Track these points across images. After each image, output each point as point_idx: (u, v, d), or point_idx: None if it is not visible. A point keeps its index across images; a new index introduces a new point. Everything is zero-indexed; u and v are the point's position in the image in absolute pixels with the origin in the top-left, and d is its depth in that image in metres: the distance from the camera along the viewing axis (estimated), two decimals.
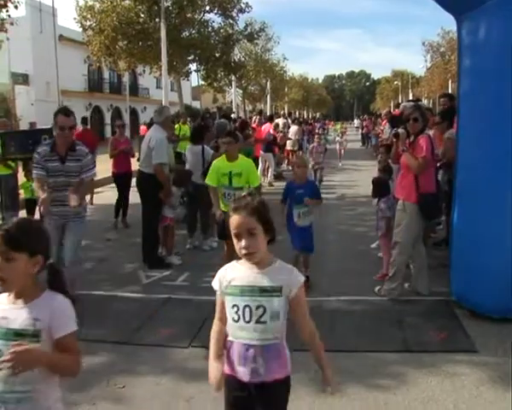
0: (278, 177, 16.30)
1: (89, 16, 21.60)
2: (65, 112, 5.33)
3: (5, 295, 2.15)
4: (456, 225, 5.19)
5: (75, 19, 21.99)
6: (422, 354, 4.33)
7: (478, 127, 4.80)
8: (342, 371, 4.06)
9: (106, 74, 41.90)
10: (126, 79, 37.88)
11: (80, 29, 22.60)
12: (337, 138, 23.19)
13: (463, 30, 4.98)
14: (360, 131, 38.31)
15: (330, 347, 4.48)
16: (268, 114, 31.02)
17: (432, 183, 5.53)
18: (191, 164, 8.06)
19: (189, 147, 8.35)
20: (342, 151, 21.50)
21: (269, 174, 15.61)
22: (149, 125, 11.06)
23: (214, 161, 6.39)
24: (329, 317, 5.17)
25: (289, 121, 22.06)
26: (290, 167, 18.78)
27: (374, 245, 7.64)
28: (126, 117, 38.73)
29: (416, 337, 4.64)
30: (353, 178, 16.25)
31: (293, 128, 19.14)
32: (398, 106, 12.25)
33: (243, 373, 2.33)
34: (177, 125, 12.97)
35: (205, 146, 8.16)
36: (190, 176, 7.71)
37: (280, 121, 19.10)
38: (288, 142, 18.44)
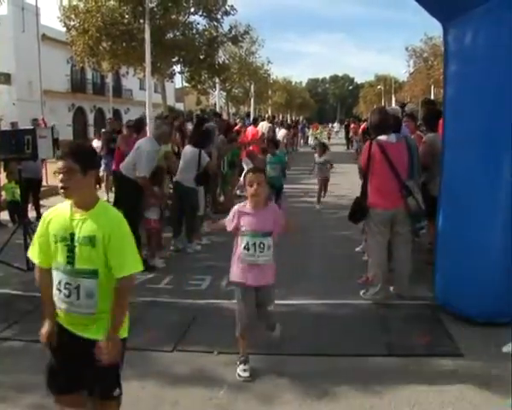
0: None
1: (72, 16, 21.38)
2: None
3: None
4: (441, 229, 5.23)
5: (58, 18, 21.78)
6: (407, 357, 4.33)
7: (463, 133, 4.83)
8: (328, 375, 4.07)
9: (89, 75, 41.52)
10: (110, 79, 37.57)
11: (64, 29, 22.37)
12: (317, 158, 12.30)
13: (450, 36, 5.01)
14: (344, 134, 38.66)
15: (315, 350, 4.50)
16: (251, 116, 31.03)
17: (366, 188, 5.63)
18: (185, 165, 7.94)
19: (187, 147, 8.22)
20: (325, 186, 12.22)
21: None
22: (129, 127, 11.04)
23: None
24: (314, 321, 5.19)
25: (273, 125, 22.05)
26: None
27: (358, 249, 7.66)
28: (109, 115, 38.44)
29: (401, 341, 4.66)
30: (336, 181, 16.31)
31: (282, 132, 19.19)
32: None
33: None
34: None
35: (202, 151, 8.10)
36: (163, 175, 7.61)
37: (264, 125, 19.10)
38: None
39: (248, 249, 3.96)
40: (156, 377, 4.03)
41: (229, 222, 4.10)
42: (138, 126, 9.42)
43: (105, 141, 13.06)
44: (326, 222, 10.03)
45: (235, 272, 4.07)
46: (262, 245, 3.95)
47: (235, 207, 4.11)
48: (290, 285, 6.19)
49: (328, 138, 42.14)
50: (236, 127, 16.52)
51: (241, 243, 4.01)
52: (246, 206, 4.04)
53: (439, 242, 5.30)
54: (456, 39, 4.91)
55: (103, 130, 16.84)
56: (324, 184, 12.05)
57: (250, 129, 16.61)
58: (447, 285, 5.14)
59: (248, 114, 22.72)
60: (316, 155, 12.42)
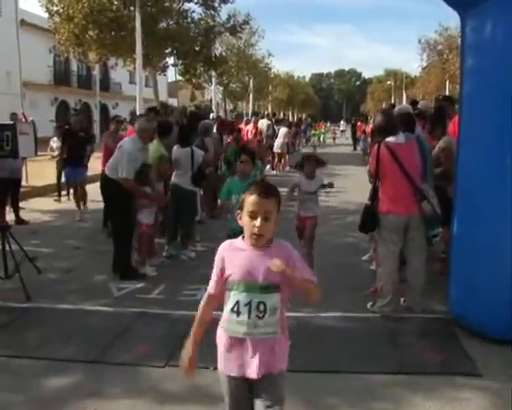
0: None
1: (55, 1, 21.39)
2: None
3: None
4: (456, 236, 5.24)
5: (40, 2, 21.75)
6: (419, 376, 4.33)
7: (481, 132, 4.85)
8: (331, 394, 4.07)
9: (74, 66, 41.61)
10: (97, 72, 37.66)
11: (46, 14, 22.35)
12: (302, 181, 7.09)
13: (468, 27, 5.03)
14: (350, 134, 38.50)
15: (319, 367, 4.51)
16: (250, 114, 31.10)
17: (376, 194, 5.67)
18: (179, 167, 7.94)
19: (176, 149, 8.11)
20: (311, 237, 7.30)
21: None
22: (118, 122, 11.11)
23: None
24: (318, 334, 5.19)
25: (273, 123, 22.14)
26: (275, 171, 18.88)
27: (365, 257, 7.68)
28: (96, 114, 38.49)
29: (413, 358, 4.66)
30: (342, 185, 16.33)
31: (283, 130, 19.27)
32: (393, 107, 12.32)
33: None
34: None
35: (194, 148, 8.09)
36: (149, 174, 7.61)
37: (264, 123, 19.16)
38: (275, 144, 18.59)
39: (238, 313, 2.65)
40: (147, 395, 4.03)
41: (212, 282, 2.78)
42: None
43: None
44: (330, 229, 10.02)
45: (220, 350, 2.80)
46: (263, 307, 2.65)
47: (220, 250, 2.76)
48: (291, 296, 6.19)
49: (334, 139, 41.95)
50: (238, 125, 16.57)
51: (227, 301, 2.72)
52: (236, 243, 2.74)
53: (453, 249, 5.31)
54: (474, 31, 4.93)
55: (57, 125, 16.28)
56: (310, 232, 7.10)
57: (249, 127, 16.64)
58: (463, 298, 5.14)
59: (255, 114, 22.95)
60: (299, 177, 7.09)
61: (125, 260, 6.96)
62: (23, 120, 14.83)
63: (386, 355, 4.71)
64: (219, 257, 2.72)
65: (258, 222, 2.56)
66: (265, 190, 2.62)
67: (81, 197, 11.02)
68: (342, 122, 60.42)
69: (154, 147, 7.52)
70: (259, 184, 2.71)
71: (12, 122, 7.86)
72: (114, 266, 6.96)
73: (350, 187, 14.57)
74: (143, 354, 4.69)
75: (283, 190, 13.33)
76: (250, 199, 2.59)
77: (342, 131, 51.96)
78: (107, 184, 6.94)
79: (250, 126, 17.38)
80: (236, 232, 2.88)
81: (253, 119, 19.53)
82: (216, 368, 4.34)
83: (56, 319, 5.44)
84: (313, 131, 38.60)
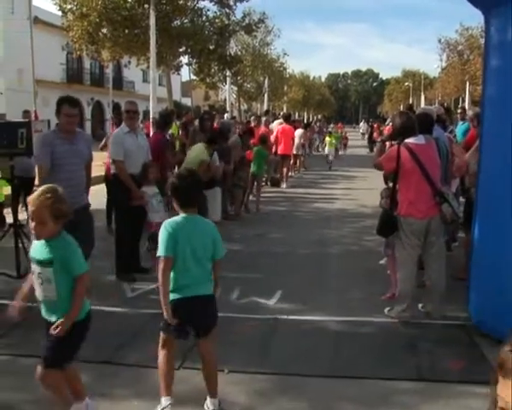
0: (275, 183, 16.33)
1: None
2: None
3: None
4: (477, 240, 5.21)
5: (53, 0, 21.91)
6: (439, 383, 4.31)
7: (506, 135, 4.81)
8: (348, 400, 4.07)
9: (87, 64, 41.88)
10: (110, 70, 37.84)
11: (59, 12, 22.52)
12: None
13: (492, 27, 5.00)
14: (366, 136, 37.90)
15: (335, 372, 4.51)
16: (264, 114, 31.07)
17: (395, 197, 5.67)
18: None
19: (199, 146, 8.41)
20: None
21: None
22: (153, 123, 11.23)
23: None
24: (334, 339, 5.18)
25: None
26: (290, 173, 18.86)
27: (382, 261, 7.63)
28: (109, 112, 38.63)
29: (432, 365, 4.64)
30: (358, 187, 16.32)
31: (298, 132, 19.24)
32: (411, 108, 12.31)
33: None
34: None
35: (215, 153, 8.35)
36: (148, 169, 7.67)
37: (277, 124, 19.05)
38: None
39: None
40: (159, 398, 4.04)
41: None
42: (163, 122, 9.57)
43: None
44: (347, 232, 10.02)
45: None
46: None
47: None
48: (307, 300, 6.21)
49: (344, 146, 34.42)
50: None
51: None
52: None
53: (474, 254, 5.28)
54: (499, 31, 4.89)
55: None
56: None
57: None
58: (484, 304, 5.12)
59: (267, 112, 22.75)
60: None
61: (125, 263, 7.04)
62: (34, 118, 14.92)
63: (404, 362, 4.69)
64: None
65: None
66: None
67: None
68: (362, 124, 53.28)
69: (197, 152, 7.73)
70: None
71: (27, 120, 7.93)
72: (116, 268, 7.07)
73: (366, 190, 14.53)
74: (156, 355, 4.70)
75: (298, 191, 13.34)
76: None
77: (362, 133, 47.75)
78: (112, 180, 7.20)
79: (262, 128, 16.84)
80: None
81: (263, 119, 17.24)
82: (231, 371, 4.41)
83: None
84: (328, 138, 25.35)
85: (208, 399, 3.83)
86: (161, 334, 3.84)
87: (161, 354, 3.85)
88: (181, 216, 3.72)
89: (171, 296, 3.65)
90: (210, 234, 3.79)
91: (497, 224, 4.92)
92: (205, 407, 3.82)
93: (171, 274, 3.64)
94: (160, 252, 3.60)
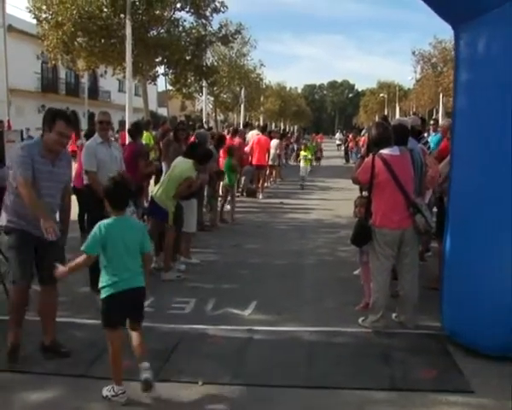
0: (251, 194, 16.31)
1: (44, 7, 21.40)
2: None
3: None
4: (448, 250, 5.28)
5: (28, 8, 21.76)
6: (412, 392, 4.35)
7: (475, 147, 4.90)
8: None
9: (62, 74, 41.59)
10: (85, 80, 37.67)
11: (34, 21, 22.36)
12: None
13: (462, 40, 5.09)
14: (343, 147, 38.05)
15: (310, 382, 4.52)
16: (241, 124, 31.12)
17: (369, 207, 5.72)
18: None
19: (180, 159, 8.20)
20: None
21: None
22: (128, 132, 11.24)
23: None
24: (309, 350, 5.19)
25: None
26: (266, 184, 18.89)
27: (356, 272, 7.68)
28: (84, 122, 38.40)
29: (405, 374, 4.67)
30: (333, 198, 16.42)
31: (274, 142, 19.28)
32: (385, 119, 12.46)
33: None
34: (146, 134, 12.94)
35: None
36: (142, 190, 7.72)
37: (254, 134, 19.07)
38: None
39: None
40: None
41: None
42: (135, 130, 9.54)
43: None
44: (322, 242, 10.07)
45: None
46: None
47: None
48: (282, 311, 6.22)
49: (318, 160, 31.05)
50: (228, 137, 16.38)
51: None
52: None
53: (446, 264, 5.34)
54: (468, 44, 4.99)
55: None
56: None
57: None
58: (456, 314, 5.17)
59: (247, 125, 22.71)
60: None
61: (98, 270, 6.96)
62: (6, 128, 14.75)
63: (378, 372, 4.71)
64: None
65: None
66: None
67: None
68: (338, 135, 51.46)
69: (184, 168, 7.72)
70: None
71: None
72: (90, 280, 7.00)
73: (341, 201, 14.63)
74: (130, 368, 4.66)
75: (274, 202, 13.33)
76: None
77: (338, 144, 46.36)
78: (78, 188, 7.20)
79: (237, 139, 16.80)
80: None
81: (239, 131, 17.74)
82: (206, 383, 4.40)
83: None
84: (303, 152, 21.98)
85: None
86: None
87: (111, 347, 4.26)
88: (113, 218, 4.15)
89: (111, 291, 4.11)
90: (139, 229, 4.39)
91: (467, 234, 4.98)
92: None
93: (109, 271, 4.13)
94: (84, 247, 4.09)
